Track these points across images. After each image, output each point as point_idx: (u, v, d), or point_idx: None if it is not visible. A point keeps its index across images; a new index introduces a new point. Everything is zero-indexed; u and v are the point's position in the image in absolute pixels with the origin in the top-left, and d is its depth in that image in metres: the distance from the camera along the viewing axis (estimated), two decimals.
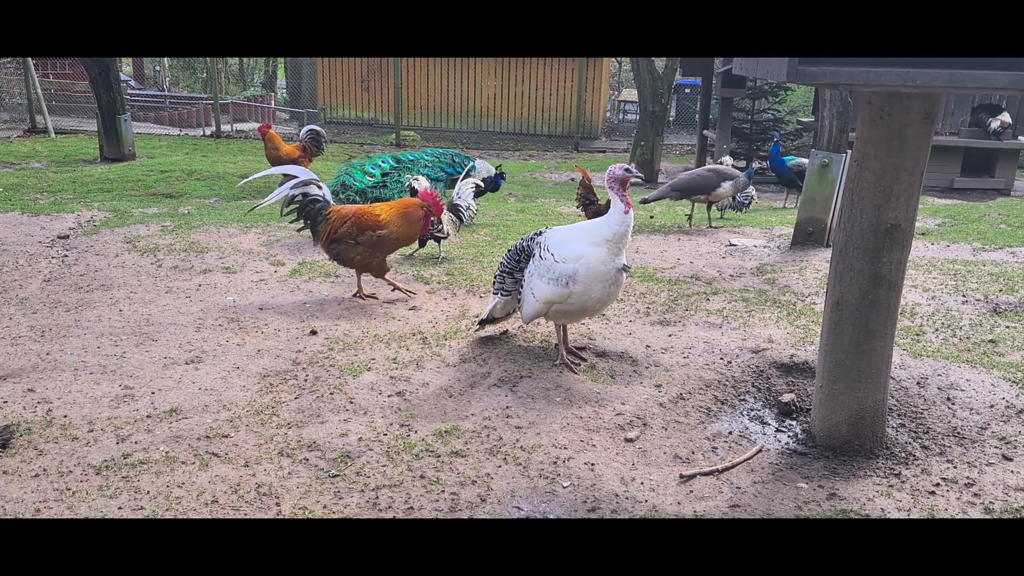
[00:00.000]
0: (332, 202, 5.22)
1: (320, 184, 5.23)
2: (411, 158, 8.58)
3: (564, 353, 4.12)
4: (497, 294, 4.30)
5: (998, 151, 13.57)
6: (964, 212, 9.61)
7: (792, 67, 2.40)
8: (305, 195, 5.14)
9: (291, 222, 5.30)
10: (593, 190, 7.07)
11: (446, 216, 6.16)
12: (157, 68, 30.95)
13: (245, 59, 33.36)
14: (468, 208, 6.49)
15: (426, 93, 21.24)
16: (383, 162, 8.34)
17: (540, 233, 4.12)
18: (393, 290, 5.26)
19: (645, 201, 8.36)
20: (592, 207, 6.96)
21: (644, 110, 14.06)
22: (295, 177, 5.19)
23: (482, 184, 7.28)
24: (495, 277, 4.33)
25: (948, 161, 13.45)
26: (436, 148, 9.21)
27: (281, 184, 5.26)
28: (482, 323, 4.42)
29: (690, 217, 8.67)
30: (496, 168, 8.76)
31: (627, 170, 4.02)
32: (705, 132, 16.80)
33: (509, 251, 4.23)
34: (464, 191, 6.55)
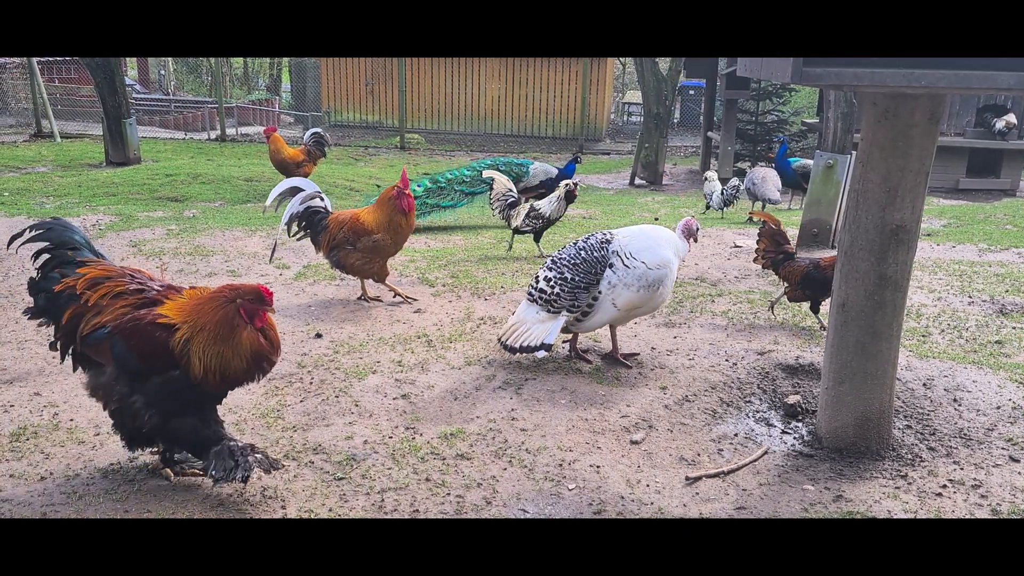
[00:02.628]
0: (332, 211, 5.22)
1: (323, 196, 5.24)
2: (449, 177, 8.58)
3: (617, 353, 4.20)
4: (560, 312, 3.93)
5: (1004, 152, 13.53)
6: (970, 213, 9.58)
7: (797, 68, 2.40)
8: (307, 208, 5.15)
9: (299, 239, 5.28)
10: (786, 238, 4.88)
11: (519, 217, 6.67)
12: (162, 72, 31.05)
13: (250, 63, 33.46)
14: (540, 215, 6.62)
15: (430, 96, 21.29)
16: (418, 186, 8.35)
17: (608, 241, 3.99)
18: (394, 296, 5.25)
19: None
20: (786, 266, 4.72)
21: (648, 112, 14.06)
22: (300, 189, 5.21)
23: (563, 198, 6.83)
24: (555, 296, 3.93)
25: (953, 162, 13.41)
26: (483, 160, 9.25)
27: (281, 190, 5.25)
28: (547, 348, 3.88)
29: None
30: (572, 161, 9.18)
31: (698, 228, 4.24)
32: (709, 134, 16.80)
33: (576, 266, 3.94)
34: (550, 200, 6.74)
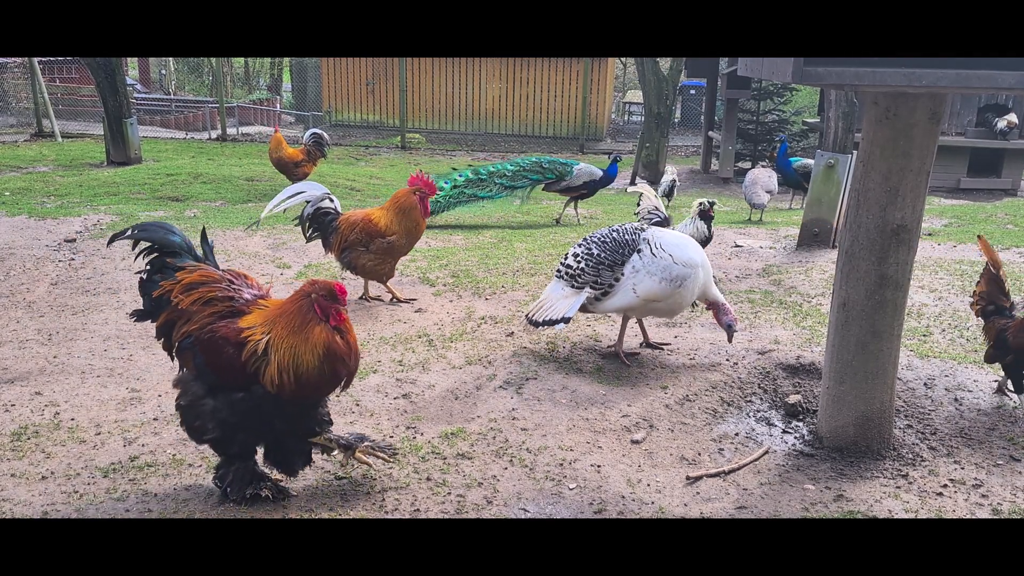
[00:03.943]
0: (341, 212, 5.21)
1: (332, 197, 5.23)
2: (492, 170, 8.70)
3: (621, 348, 4.22)
4: (584, 288, 4.04)
5: (1005, 151, 13.53)
6: (971, 212, 9.58)
7: (797, 68, 2.40)
8: (317, 209, 5.14)
9: (308, 240, 5.25)
10: (1004, 288, 3.84)
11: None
12: (163, 72, 31.06)
13: (251, 62, 33.47)
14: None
15: (431, 96, 21.29)
16: (460, 176, 8.40)
17: (642, 230, 4.10)
18: (391, 300, 5.23)
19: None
20: (1001, 319, 3.74)
21: (649, 111, 14.06)
22: (303, 192, 5.20)
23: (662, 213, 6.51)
24: (579, 271, 4.04)
25: (954, 161, 13.41)
26: (528, 156, 9.32)
27: (289, 196, 5.22)
28: (566, 321, 3.98)
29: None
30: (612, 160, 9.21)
31: (733, 328, 4.13)
32: (710, 133, 16.80)
33: (605, 244, 4.05)
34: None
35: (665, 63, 14.39)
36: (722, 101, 15.54)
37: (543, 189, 9.02)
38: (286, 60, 29.81)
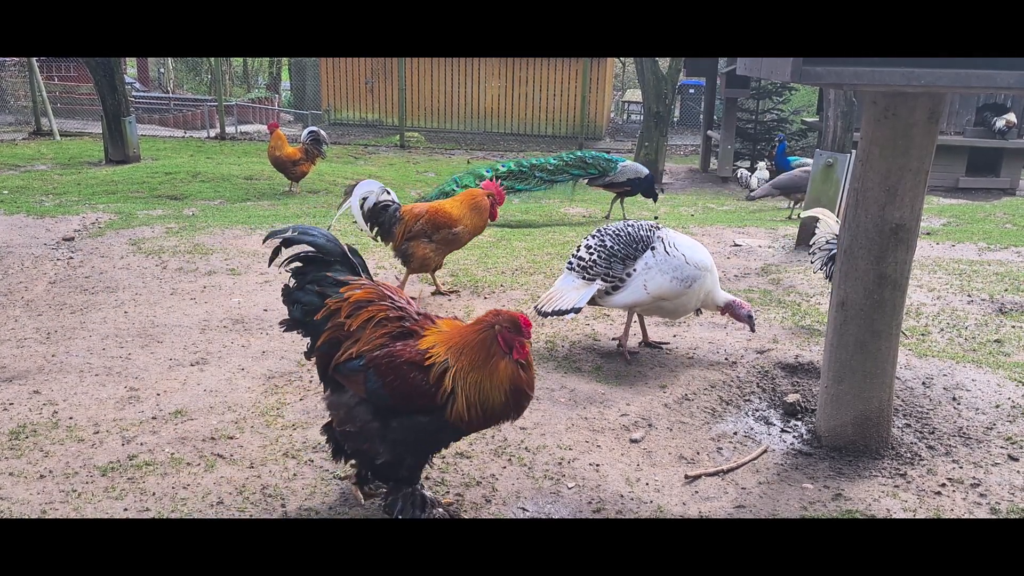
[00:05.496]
0: (400, 203, 5.31)
1: (388, 190, 5.31)
2: (533, 163, 8.80)
3: (625, 344, 4.27)
4: (595, 281, 4.05)
5: (1003, 150, 13.54)
6: (969, 212, 9.58)
7: (796, 67, 2.40)
8: (377, 203, 5.20)
9: (374, 237, 5.31)
10: None
11: None
12: (161, 70, 31.03)
13: (249, 61, 33.43)
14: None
15: (430, 94, 21.28)
16: (502, 166, 8.45)
17: (657, 228, 4.13)
18: (433, 293, 5.36)
19: (751, 198, 9.88)
20: None
21: (648, 111, 14.05)
22: (363, 189, 5.28)
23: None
24: (591, 263, 4.06)
25: (953, 161, 13.42)
26: (572, 152, 9.39)
27: (347, 193, 5.30)
28: (576, 311, 3.98)
29: (792, 209, 9.51)
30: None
31: (753, 317, 4.16)
32: (709, 132, 16.80)
33: (619, 237, 4.08)
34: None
35: (664, 62, 14.38)
36: (721, 100, 15.55)
37: (587, 184, 9.08)
38: (285, 59, 29.78)
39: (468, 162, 9.04)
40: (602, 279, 4.05)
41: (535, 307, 4.19)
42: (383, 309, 2.57)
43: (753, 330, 4.20)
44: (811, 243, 4.81)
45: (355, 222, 5.20)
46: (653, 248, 4.03)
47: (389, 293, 2.64)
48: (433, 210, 5.16)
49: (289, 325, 2.72)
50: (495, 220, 5.34)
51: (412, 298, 2.77)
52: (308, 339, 2.69)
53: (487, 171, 8.27)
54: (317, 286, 2.64)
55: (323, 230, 2.74)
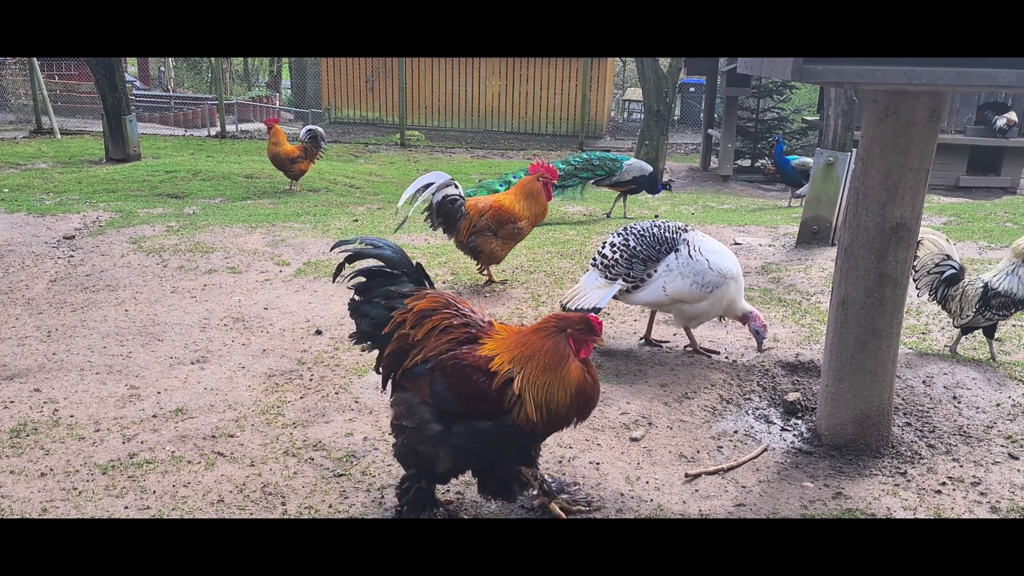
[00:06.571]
0: (466, 198, 5.40)
1: (456, 184, 5.40)
2: (562, 166, 8.76)
3: (651, 336, 4.34)
4: (617, 280, 4.02)
5: (1004, 149, 13.53)
6: (970, 210, 9.58)
7: (797, 66, 2.40)
8: (444, 197, 5.28)
9: (434, 228, 5.44)
10: None
11: (969, 304, 4.04)
12: (162, 69, 31.02)
13: (250, 60, 33.42)
14: (1011, 298, 4.04)
15: (430, 93, 21.26)
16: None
17: (684, 230, 4.10)
18: (487, 283, 5.47)
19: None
20: None
21: (649, 109, 14.04)
22: (428, 178, 5.37)
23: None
24: (613, 262, 4.04)
25: (954, 159, 13.42)
26: (579, 154, 9.38)
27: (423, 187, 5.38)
28: (596, 311, 3.91)
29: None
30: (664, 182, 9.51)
31: (761, 335, 4.13)
32: (710, 131, 16.79)
33: (643, 238, 4.04)
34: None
35: (665, 61, 14.37)
36: (722, 99, 15.54)
37: (594, 184, 9.09)
38: (285, 58, 29.78)
39: (479, 181, 9.05)
40: (623, 279, 4.03)
41: (560, 302, 4.22)
42: (447, 317, 2.59)
43: (760, 349, 4.17)
44: (915, 267, 4.20)
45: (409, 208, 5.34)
46: (677, 251, 4.00)
47: (452, 301, 2.66)
48: (497, 206, 5.29)
49: (358, 338, 2.72)
50: (549, 200, 5.48)
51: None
52: (378, 354, 2.69)
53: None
54: (384, 299, 2.66)
55: (389, 241, 2.74)
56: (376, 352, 2.69)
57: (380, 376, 2.69)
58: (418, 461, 2.56)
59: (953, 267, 4.18)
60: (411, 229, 7.43)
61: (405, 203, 5.26)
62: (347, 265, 2.73)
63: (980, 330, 4.18)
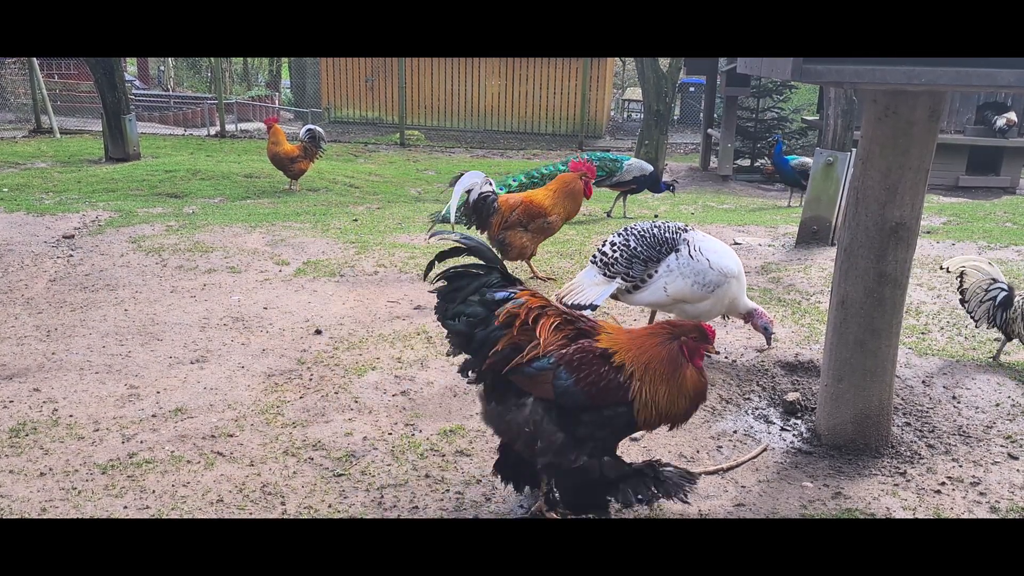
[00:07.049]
0: (499, 194, 5.51)
1: (490, 180, 5.51)
2: (544, 172, 8.78)
3: None
4: (615, 279, 4.02)
5: (1004, 149, 13.53)
6: (970, 210, 9.58)
7: (797, 65, 2.40)
8: (480, 194, 5.40)
9: (469, 226, 5.52)
10: None
11: None
12: (162, 68, 30.99)
13: (249, 59, 33.40)
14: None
15: (430, 93, 21.25)
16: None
17: (685, 230, 4.08)
18: (531, 276, 5.57)
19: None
20: None
21: (648, 109, 14.04)
22: (468, 181, 5.45)
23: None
24: (612, 261, 4.02)
25: (953, 159, 13.41)
26: (579, 155, 9.43)
27: (452, 183, 5.51)
28: (592, 308, 3.95)
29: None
30: (669, 184, 9.62)
31: (770, 330, 4.14)
32: (709, 131, 16.78)
33: (643, 238, 4.02)
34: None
35: (664, 61, 14.37)
36: (721, 99, 15.53)
37: (595, 185, 9.09)
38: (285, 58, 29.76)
39: (507, 174, 9.09)
40: (622, 278, 4.03)
41: (556, 295, 4.20)
42: (555, 312, 2.58)
43: (769, 344, 4.16)
44: (963, 297, 4.25)
45: (447, 213, 5.42)
46: (677, 251, 3.99)
47: (548, 298, 2.66)
48: (528, 201, 5.43)
49: (455, 339, 2.61)
50: (590, 197, 5.58)
51: None
52: (472, 355, 2.61)
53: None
54: (479, 296, 2.59)
55: (480, 239, 2.71)
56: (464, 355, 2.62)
57: (472, 375, 2.62)
58: (559, 473, 2.57)
59: (1003, 288, 4.11)
60: (410, 229, 7.43)
61: (454, 212, 5.37)
62: (436, 263, 2.67)
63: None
